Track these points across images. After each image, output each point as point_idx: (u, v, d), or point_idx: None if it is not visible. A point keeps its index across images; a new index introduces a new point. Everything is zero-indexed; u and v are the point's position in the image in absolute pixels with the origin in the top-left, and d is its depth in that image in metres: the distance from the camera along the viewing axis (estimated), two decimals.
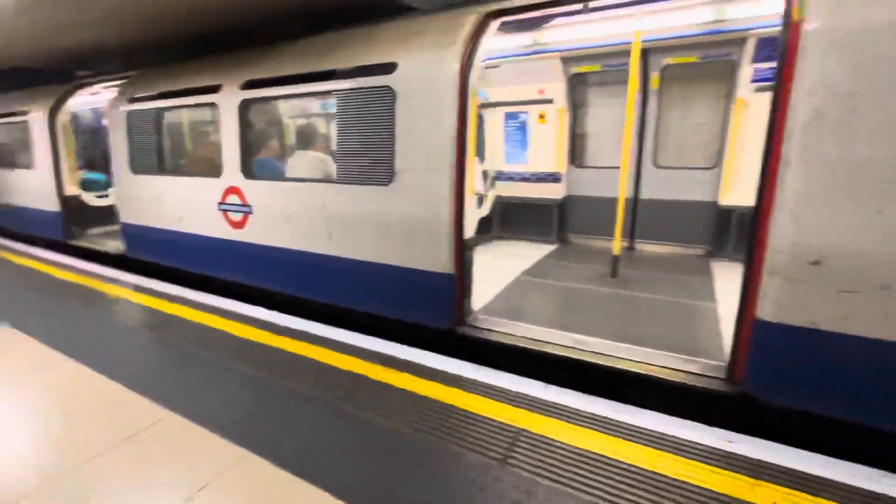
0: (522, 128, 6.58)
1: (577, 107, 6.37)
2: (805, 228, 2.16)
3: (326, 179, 3.95)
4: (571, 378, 3.17)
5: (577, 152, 6.51)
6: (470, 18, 3.23)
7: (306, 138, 4.46)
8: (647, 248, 6.02)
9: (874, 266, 2.05)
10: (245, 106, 4.24)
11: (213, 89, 4.43)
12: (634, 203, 6.04)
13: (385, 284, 3.62)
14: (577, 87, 6.26)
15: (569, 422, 2.47)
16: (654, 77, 5.61)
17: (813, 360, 2.25)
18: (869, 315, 2.09)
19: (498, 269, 5.14)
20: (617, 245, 4.60)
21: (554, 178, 6.36)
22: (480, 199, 5.36)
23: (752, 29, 4.54)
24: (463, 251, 3.28)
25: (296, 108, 6.43)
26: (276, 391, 2.79)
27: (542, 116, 6.27)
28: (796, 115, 2.13)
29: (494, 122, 6.78)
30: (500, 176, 6.80)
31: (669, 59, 5.44)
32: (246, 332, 3.64)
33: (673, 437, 2.31)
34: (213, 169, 4.57)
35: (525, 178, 6.58)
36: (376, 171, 3.48)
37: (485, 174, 6.71)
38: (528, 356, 3.18)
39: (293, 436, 2.37)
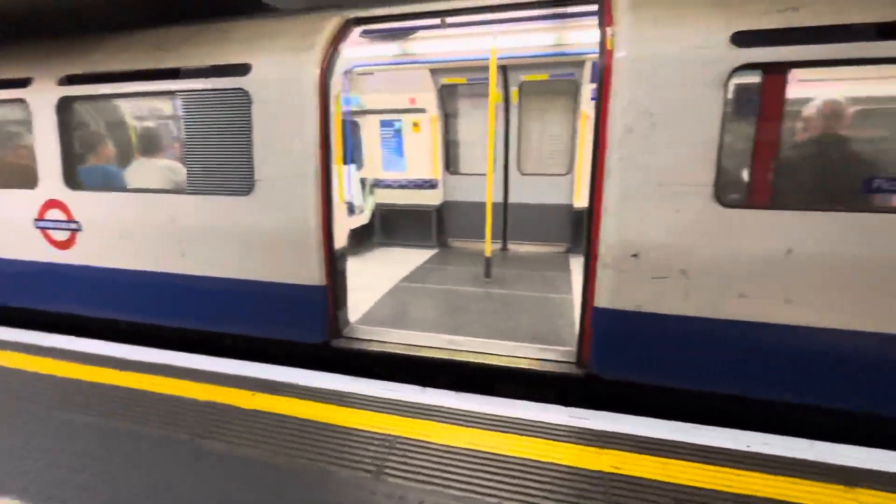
0: (398, 135, 6.67)
1: (449, 116, 6.66)
2: (625, 226, 2.53)
3: (176, 190, 3.54)
4: (448, 378, 3.29)
5: (451, 160, 6.81)
6: (330, 23, 3.17)
7: (150, 144, 3.93)
8: (518, 248, 6.54)
9: (675, 255, 2.49)
10: (65, 105, 3.60)
11: (21, 83, 3.68)
12: (505, 207, 6.51)
13: (251, 302, 3.36)
14: (448, 97, 6.55)
15: (442, 422, 2.54)
16: (514, 91, 6.14)
17: (640, 338, 2.65)
18: (674, 295, 2.53)
19: (379, 276, 5.12)
20: (488, 247, 4.91)
21: (430, 184, 6.56)
22: (351, 207, 5.29)
23: (588, 53, 5.24)
24: (334, 261, 3.20)
25: (136, 109, 5.64)
26: (117, 439, 2.40)
27: (416, 125, 6.44)
28: (613, 129, 2.50)
29: (371, 130, 6.77)
30: (380, 183, 6.80)
31: (525, 76, 6.00)
32: (81, 372, 3.08)
33: (535, 421, 2.52)
34: (25, 179, 3.79)
35: (403, 185, 6.68)
36: (234, 180, 3.22)
37: (363, 181, 6.66)
38: (406, 362, 3.21)
39: (130, 490, 2.05)
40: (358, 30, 3.28)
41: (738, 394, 2.61)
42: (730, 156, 2.43)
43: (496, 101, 4.75)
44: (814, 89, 2.86)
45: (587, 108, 5.65)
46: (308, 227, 3.09)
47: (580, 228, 6.10)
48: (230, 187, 3.24)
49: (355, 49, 5.25)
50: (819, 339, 2.40)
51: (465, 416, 2.58)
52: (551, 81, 6.00)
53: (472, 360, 3.07)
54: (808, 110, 2.62)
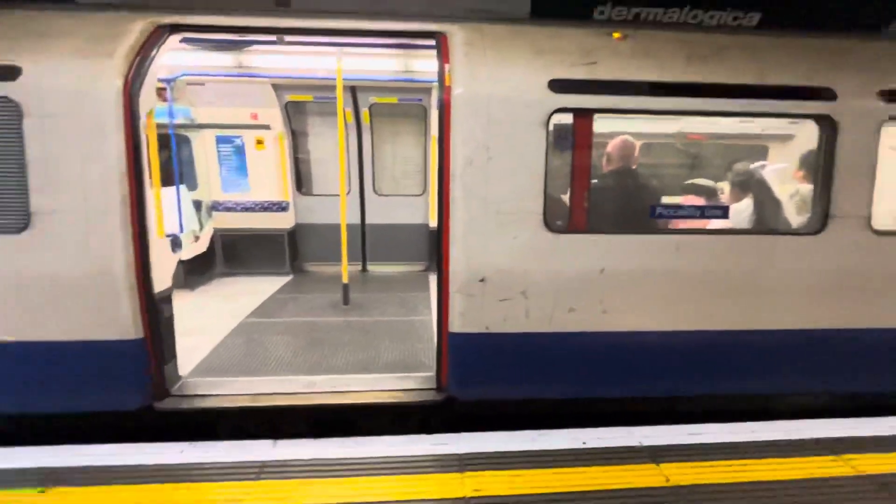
0: (239, 153, 6.04)
1: (298, 134, 6.30)
2: (472, 253, 2.67)
3: None
4: (306, 424, 3.03)
5: (303, 180, 6.44)
6: (136, 26, 2.69)
7: None
8: (377, 269, 6.47)
9: (515, 277, 2.70)
10: None
11: None
12: (362, 228, 6.39)
13: (39, 370, 2.62)
14: (296, 114, 6.19)
15: (301, 477, 2.32)
16: (365, 112, 6.10)
17: (491, 357, 2.81)
18: (517, 315, 2.74)
19: (220, 313, 4.52)
20: (345, 273, 4.73)
21: (280, 206, 6.09)
22: (177, 240, 4.60)
23: (433, 82, 5.49)
24: (154, 307, 2.69)
25: None
26: None
27: (259, 142, 5.92)
28: (456, 161, 2.62)
29: (205, 146, 6.00)
30: (218, 206, 6.06)
31: (375, 98, 6.02)
32: None
33: (397, 457, 2.46)
34: None
35: (249, 208, 6.07)
36: None
37: (197, 204, 5.85)
38: (256, 414, 2.86)
39: None
40: (175, 37, 2.85)
41: (579, 396, 2.95)
42: (553, 187, 2.75)
43: (347, 121, 4.64)
44: (615, 130, 3.45)
45: (436, 131, 5.89)
46: (114, 268, 2.55)
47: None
48: None
49: (179, 56, 4.59)
50: (630, 340, 2.85)
51: (323, 466, 2.39)
52: (401, 104, 6.12)
53: (330, 401, 2.88)
54: (608, 148, 3.13)
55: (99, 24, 2.71)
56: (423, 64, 5.06)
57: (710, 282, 2.82)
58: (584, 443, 2.64)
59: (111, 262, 2.54)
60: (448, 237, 2.68)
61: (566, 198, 2.90)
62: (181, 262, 5.05)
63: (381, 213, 6.39)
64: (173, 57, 2.88)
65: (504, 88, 2.61)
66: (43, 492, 2.20)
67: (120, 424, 2.92)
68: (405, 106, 6.16)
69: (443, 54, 2.74)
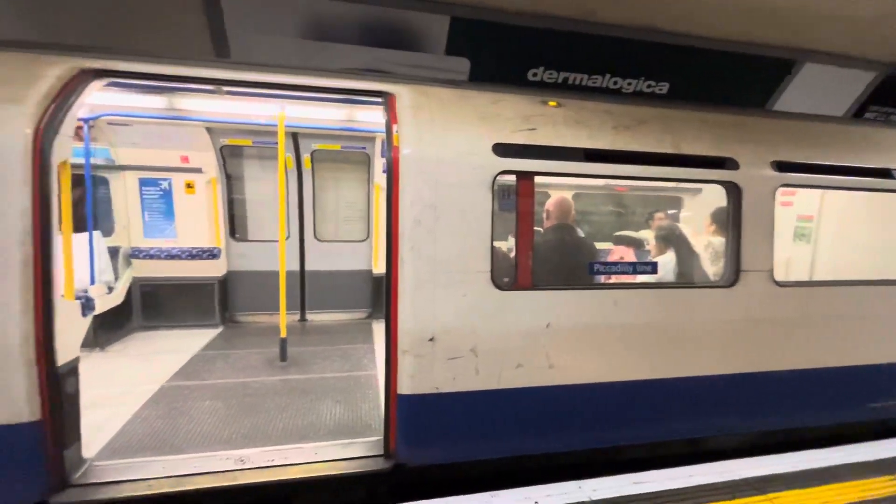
0: (166, 197, 5.64)
1: (233, 178, 6.02)
2: (420, 312, 2.63)
3: None
4: None
5: (237, 225, 6.10)
6: (53, 70, 2.47)
7: None
8: (317, 317, 6.18)
9: (465, 335, 2.69)
10: None
11: None
12: (302, 275, 6.12)
13: None
14: (231, 158, 5.94)
15: None
16: (307, 158, 5.99)
17: (442, 419, 2.72)
18: (467, 373, 2.71)
19: (137, 377, 4.03)
20: (283, 326, 4.46)
21: (211, 253, 5.69)
22: (89, 303, 4.12)
23: (377, 132, 5.56)
24: (55, 383, 2.34)
25: None
26: None
27: (189, 186, 5.57)
28: (404, 220, 2.61)
29: (126, 189, 5.54)
30: (139, 253, 5.55)
31: (317, 145, 5.95)
32: None
33: None
34: None
35: (174, 255, 5.60)
36: None
37: (114, 251, 5.31)
38: (179, 500, 2.51)
39: None
40: (99, 82, 2.66)
41: (531, 452, 2.92)
42: (500, 245, 2.83)
43: (288, 166, 4.51)
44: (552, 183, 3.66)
45: (380, 179, 5.91)
46: (7, 340, 2.20)
47: (380, 294, 6.18)
48: None
49: (100, 95, 4.26)
50: (575, 393, 2.91)
51: None
52: (344, 152, 6.10)
53: (266, 478, 2.61)
54: (547, 205, 3.30)
55: (10, 65, 2.46)
56: (367, 115, 5.11)
57: (644, 333, 2.99)
58: (536, 502, 2.60)
59: (5, 334, 2.19)
60: (396, 296, 2.62)
61: (511, 256, 2.98)
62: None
63: (323, 259, 6.18)
64: (94, 96, 2.65)
65: (451, 151, 2.69)
66: None
67: None
68: (348, 153, 6.15)
69: (391, 114, 2.79)
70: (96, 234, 4.84)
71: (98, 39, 2.92)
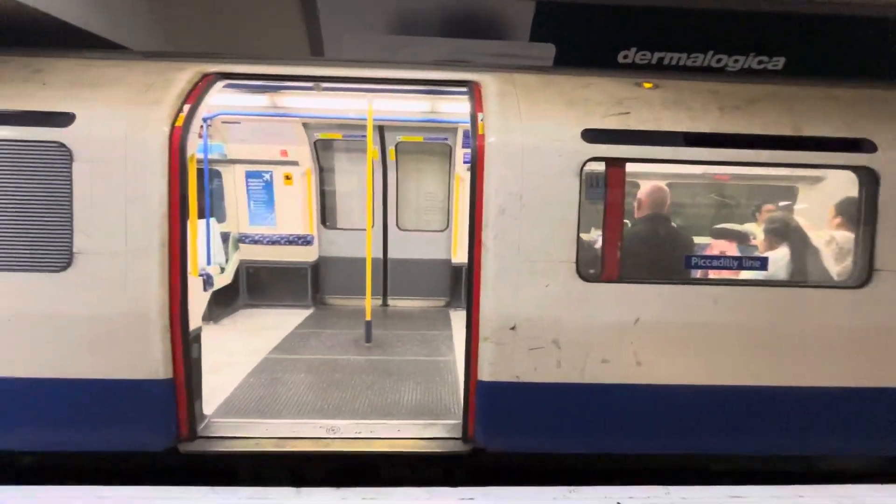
0: (267, 188, 6.21)
1: (324, 170, 6.46)
2: (503, 301, 2.63)
3: None
4: (328, 470, 2.96)
5: (328, 214, 6.55)
6: (184, 75, 2.83)
7: None
8: (398, 303, 6.45)
9: (547, 326, 2.65)
10: None
11: None
12: (385, 263, 6.42)
13: (67, 406, 2.64)
14: (324, 151, 6.37)
15: None
16: (391, 150, 6.24)
17: (521, 408, 2.72)
18: (548, 364, 2.67)
19: (244, 348, 4.52)
20: (368, 310, 4.72)
21: (305, 240, 6.18)
22: (210, 280, 4.68)
23: (459, 122, 5.61)
24: (186, 348, 2.71)
25: None
26: None
27: (288, 177, 6.08)
28: (488, 209, 2.62)
29: (235, 181, 6.19)
30: (245, 238, 6.19)
31: (401, 137, 6.17)
32: None
33: None
34: None
35: (274, 241, 6.18)
36: (41, 252, 2.58)
37: (225, 236, 5.99)
38: (278, 459, 2.80)
39: None
40: (219, 84, 2.99)
41: (611, 451, 2.82)
42: (587, 235, 2.73)
43: (374, 157, 4.74)
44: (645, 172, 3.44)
45: (461, 170, 5.98)
46: (150, 309, 2.58)
47: (458, 282, 6.28)
48: (36, 261, 2.58)
49: (219, 97, 4.80)
50: (665, 394, 2.73)
51: None
52: (427, 143, 6.25)
53: (353, 448, 2.81)
54: (640, 195, 3.11)
55: (149, 72, 2.86)
56: (449, 106, 5.18)
57: (748, 335, 2.71)
58: (617, 502, 2.50)
59: (147, 303, 2.58)
60: (479, 284, 2.65)
61: (599, 246, 2.86)
62: None
63: (404, 247, 6.42)
64: (213, 98, 2.99)
65: (537, 138, 2.64)
66: None
67: (143, 466, 2.91)
68: (430, 144, 6.29)
69: (476, 102, 2.80)
70: (212, 220, 5.48)
71: (217, 47, 3.28)
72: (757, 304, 2.69)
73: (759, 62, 3.18)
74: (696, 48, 3.13)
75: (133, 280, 2.57)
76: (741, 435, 2.84)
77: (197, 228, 3.26)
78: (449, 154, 6.33)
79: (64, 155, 2.57)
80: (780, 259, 3.11)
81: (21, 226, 2.60)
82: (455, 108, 5.15)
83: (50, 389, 2.64)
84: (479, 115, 2.73)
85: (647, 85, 2.91)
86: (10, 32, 3.28)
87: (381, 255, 6.38)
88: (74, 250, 2.56)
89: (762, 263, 2.86)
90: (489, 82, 2.87)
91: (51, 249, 2.59)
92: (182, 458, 2.77)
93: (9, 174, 2.60)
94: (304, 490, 2.51)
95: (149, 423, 2.68)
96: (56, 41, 3.20)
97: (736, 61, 3.19)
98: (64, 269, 2.57)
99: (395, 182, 6.40)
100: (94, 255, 2.57)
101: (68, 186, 2.57)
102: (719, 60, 3.19)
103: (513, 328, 2.64)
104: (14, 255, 2.59)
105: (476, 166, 2.66)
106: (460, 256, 6.18)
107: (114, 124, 2.62)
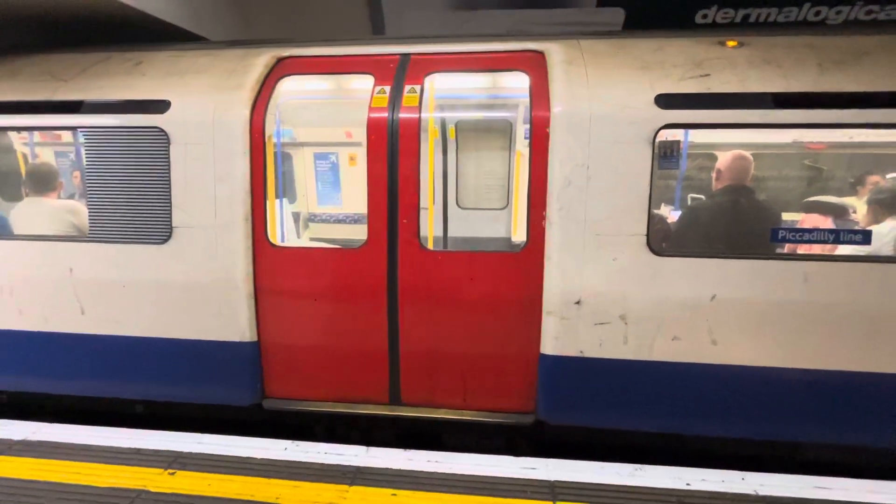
0: (334, 169, 6.48)
1: None
2: (567, 275, 2.59)
3: (73, 237, 3.10)
4: (394, 432, 3.12)
5: None
6: (261, 60, 3.01)
7: (41, 181, 3.42)
8: None
9: (614, 302, 2.58)
10: None
11: None
12: (445, 240, 6.50)
13: (168, 363, 2.99)
14: None
15: (391, 486, 2.39)
16: (451, 129, 6.24)
17: (583, 383, 2.69)
18: (615, 340, 2.60)
19: None
20: None
21: None
22: None
23: (519, 97, 5.48)
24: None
25: (21, 140, 4.97)
26: None
27: (352, 159, 6.30)
28: (553, 181, 2.57)
29: (304, 163, 6.52)
30: (314, 218, 6.53)
31: (461, 114, 6.14)
32: None
33: (485, 477, 2.44)
34: None
35: (340, 220, 6.46)
36: (147, 226, 2.89)
37: (296, 216, 6.35)
38: (350, 419, 3.00)
39: None
40: (291, 67, 3.14)
41: (679, 431, 2.72)
42: (658, 207, 2.59)
43: (434, 136, 4.79)
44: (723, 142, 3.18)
45: (521, 146, 5.87)
46: (237, 278, 2.83)
47: None
48: (143, 235, 2.91)
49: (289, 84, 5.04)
50: (742, 375, 2.58)
51: (413, 478, 2.44)
52: (486, 120, 6.18)
53: (418, 413, 2.93)
54: (719, 164, 2.88)
55: (230, 59, 3.06)
56: (511, 81, 5.06)
57: (846, 315, 2.47)
58: (687, 484, 2.42)
59: (234, 272, 2.83)
60: (542, 258, 2.63)
61: (672, 219, 2.71)
62: None
63: (464, 225, 6.46)
64: (284, 83, 3.16)
65: (606, 106, 2.53)
66: (173, 474, 2.48)
67: (232, 418, 3.23)
68: (490, 121, 6.21)
69: (541, 72, 2.73)
70: (284, 200, 5.83)
71: (287, 32, 3.44)
72: (859, 282, 2.43)
73: (868, 12, 2.81)
74: (790, 1, 2.83)
75: (222, 251, 2.83)
76: (833, 423, 2.62)
77: (274, 205, 3.50)
78: (509, 131, 6.22)
79: (162, 139, 2.85)
80: (889, 232, 2.77)
81: (129, 203, 2.93)
82: (517, 82, 5.03)
83: (154, 348, 2.99)
84: (544, 85, 2.66)
85: (731, 43, 2.67)
86: (113, 30, 3.65)
87: (441, 234, 6.46)
88: (173, 224, 2.85)
89: (865, 237, 2.57)
90: (554, 50, 2.78)
91: (154, 224, 2.90)
92: (266, 413, 3.04)
93: (117, 157, 2.92)
94: (373, 449, 2.68)
95: (237, 380, 2.96)
96: (151, 37, 3.53)
97: (839, 13, 2.84)
98: (165, 241, 2.87)
99: (454, 160, 6.41)
100: (189, 229, 2.85)
101: (167, 167, 2.85)
102: (818, 13, 2.85)
103: (577, 302, 2.60)
104: (123, 228, 2.93)
105: (537, 139, 2.61)
106: (520, 234, 6.11)
107: (202, 109, 2.85)
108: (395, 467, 2.53)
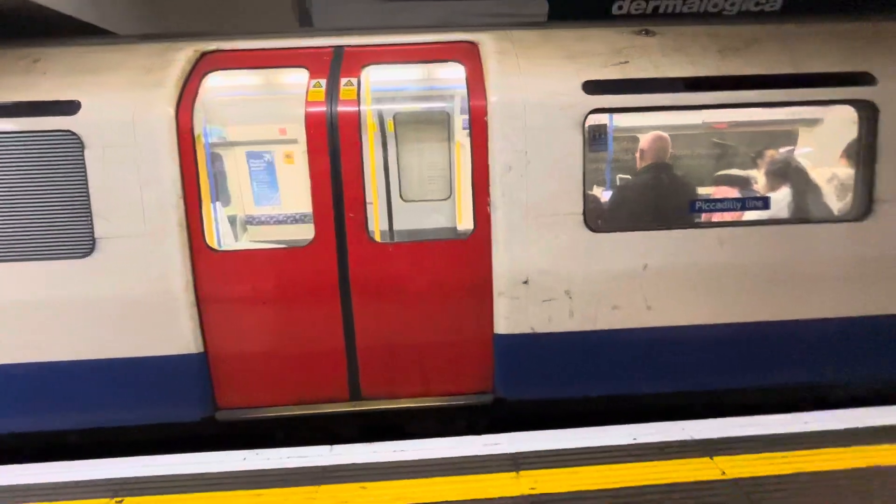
0: (270, 168, 6.22)
1: None
2: (514, 256, 2.72)
3: None
4: (357, 427, 3.12)
5: None
6: (182, 55, 2.83)
7: None
8: None
9: (559, 278, 2.74)
10: None
11: None
12: (391, 234, 6.49)
13: (103, 386, 2.78)
14: None
15: (359, 480, 2.40)
16: (389, 122, 6.20)
17: (536, 357, 2.84)
18: (562, 314, 2.77)
19: None
20: None
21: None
22: None
23: (456, 88, 5.56)
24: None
25: None
26: None
27: (288, 156, 6.08)
28: (494, 167, 2.67)
29: (236, 163, 6.20)
30: (252, 220, 6.25)
31: (398, 107, 6.12)
32: None
33: (450, 458, 2.51)
34: None
35: (280, 221, 6.24)
36: (64, 240, 2.66)
37: (232, 219, 6.04)
38: (307, 421, 2.95)
39: None
40: (216, 62, 2.99)
41: (627, 392, 2.96)
42: (591, 187, 2.78)
43: (373, 130, 4.75)
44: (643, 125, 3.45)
45: (461, 137, 5.97)
46: (173, 287, 2.68)
47: None
48: (61, 249, 2.66)
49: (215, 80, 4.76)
50: (676, 335, 2.85)
51: (379, 469, 2.46)
52: (425, 112, 6.21)
53: (380, 406, 2.95)
54: (642, 144, 3.14)
55: (147, 54, 2.86)
56: (447, 72, 5.12)
57: (754, 272, 2.80)
58: (634, 438, 2.65)
59: (172, 280, 2.67)
60: (490, 241, 2.73)
61: (604, 197, 2.92)
62: None
63: (408, 218, 6.47)
64: (210, 79, 3.01)
65: (539, 93, 2.66)
66: (120, 502, 2.33)
67: (181, 436, 3.06)
68: (428, 113, 6.25)
69: (475, 62, 2.80)
70: (217, 204, 5.53)
71: (205, 26, 3.26)
72: (762, 243, 2.77)
73: (757, 3, 3.15)
74: None
75: (155, 260, 2.66)
76: (751, 369, 2.97)
77: (209, 207, 3.33)
78: (447, 122, 6.30)
79: (74, 143, 2.61)
80: (783, 198, 3.17)
81: (41, 215, 2.67)
82: (453, 73, 5.09)
83: (88, 370, 2.76)
84: (480, 75, 2.75)
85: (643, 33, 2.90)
86: (4, 25, 3.26)
87: (386, 228, 6.44)
88: (96, 235, 2.64)
89: (765, 203, 2.93)
90: (488, 42, 2.87)
91: (73, 236, 2.66)
92: (220, 425, 2.92)
93: (22, 165, 2.65)
94: (338, 447, 2.66)
95: (184, 395, 2.81)
96: (49, 31, 3.19)
97: (732, 5, 3.16)
98: (88, 254, 2.65)
99: (394, 153, 6.39)
100: (115, 240, 2.65)
101: (83, 174, 2.62)
102: (715, 5, 3.16)
103: (525, 282, 2.73)
104: (37, 243, 2.67)
105: (476, 128, 2.69)
106: (465, 223, 6.23)
107: (119, 109, 2.65)
108: (361, 461, 2.53)
